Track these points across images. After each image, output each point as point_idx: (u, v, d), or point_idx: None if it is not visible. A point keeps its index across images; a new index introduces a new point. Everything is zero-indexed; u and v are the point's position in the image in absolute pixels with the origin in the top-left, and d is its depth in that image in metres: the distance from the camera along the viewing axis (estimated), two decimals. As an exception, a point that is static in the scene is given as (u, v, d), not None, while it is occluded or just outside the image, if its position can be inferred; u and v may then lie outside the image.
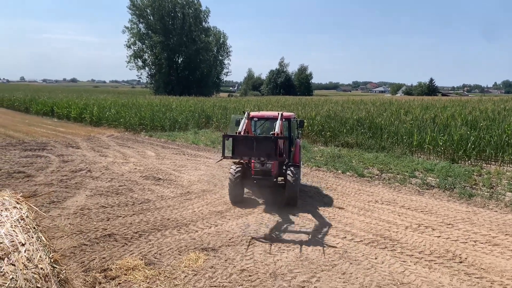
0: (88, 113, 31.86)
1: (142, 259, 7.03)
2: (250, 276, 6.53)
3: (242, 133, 9.16)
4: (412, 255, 7.47)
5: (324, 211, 10.05)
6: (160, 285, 6.15)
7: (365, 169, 14.80)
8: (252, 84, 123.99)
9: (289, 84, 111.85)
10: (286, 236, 8.36)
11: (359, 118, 22.84)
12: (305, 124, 22.44)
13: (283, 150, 9.34)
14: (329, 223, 9.20)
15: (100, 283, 6.19)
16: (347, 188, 12.43)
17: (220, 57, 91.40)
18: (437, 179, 13.13)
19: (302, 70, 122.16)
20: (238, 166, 10.65)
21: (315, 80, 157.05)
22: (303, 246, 7.83)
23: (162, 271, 6.64)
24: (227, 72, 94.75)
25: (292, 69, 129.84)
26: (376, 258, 7.30)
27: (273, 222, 9.16)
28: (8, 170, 13.69)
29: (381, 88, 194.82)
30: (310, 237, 8.32)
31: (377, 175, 14.09)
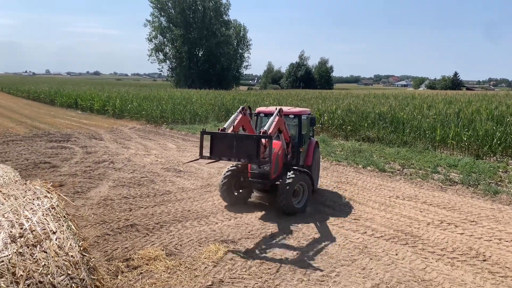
0: (110, 105, 32.42)
1: (163, 250, 7.15)
2: (269, 269, 6.56)
3: (229, 131, 8.28)
4: (434, 252, 7.36)
5: (344, 206, 9.99)
6: (180, 276, 6.25)
7: (386, 164, 14.62)
8: (272, 78, 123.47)
9: (309, 77, 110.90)
10: (304, 229, 8.36)
11: (381, 112, 22.52)
12: (326, 118, 22.29)
13: (268, 151, 8.26)
14: (349, 218, 9.15)
15: (122, 272, 6.34)
16: (368, 183, 12.31)
17: (240, 50, 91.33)
18: (461, 175, 12.86)
19: (323, 63, 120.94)
20: (228, 170, 9.78)
21: (335, 73, 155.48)
22: (323, 240, 7.83)
23: (182, 261, 6.74)
24: (246, 66, 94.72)
25: (312, 62, 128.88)
26: (396, 254, 7.23)
27: (290, 215, 9.16)
28: (35, 161, 14.10)
29: (403, 82, 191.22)
30: (329, 231, 8.30)
31: (398, 170, 13.90)
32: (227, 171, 9.75)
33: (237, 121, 8.85)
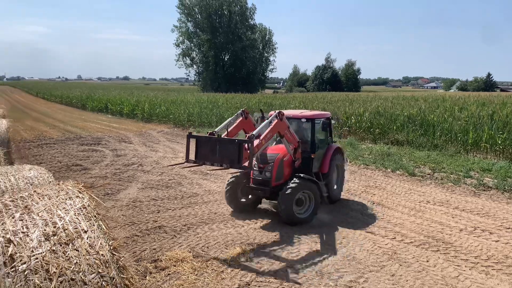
0: (139, 109, 33.14)
1: (190, 251, 7.22)
2: (296, 273, 6.51)
3: (223, 135, 8.03)
4: (467, 259, 7.10)
5: (372, 211, 9.80)
6: (207, 278, 6.28)
7: (416, 168, 14.27)
8: (298, 81, 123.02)
9: (335, 80, 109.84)
10: (332, 234, 8.25)
11: (410, 114, 22.00)
12: (353, 121, 21.98)
13: (250, 157, 7.49)
14: (377, 223, 8.97)
15: (150, 273, 6.44)
16: (397, 187, 12.04)
17: (266, 54, 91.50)
18: (495, 180, 12.38)
19: (350, 65, 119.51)
20: (233, 176, 9.39)
21: (363, 75, 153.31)
22: (350, 245, 7.70)
23: (209, 264, 6.78)
24: (272, 69, 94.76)
25: (339, 64, 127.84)
26: (427, 261, 7.02)
27: (318, 219, 9.06)
28: (67, 163, 14.56)
29: (433, 84, 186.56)
30: (357, 236, 8.16)
31: (429, 174, 13.53)
32: (232, 177, 9.41)
33: (234, 124, 8.73)
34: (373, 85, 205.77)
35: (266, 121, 8.32)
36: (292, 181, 8.62)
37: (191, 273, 6.43)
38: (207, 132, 8.20)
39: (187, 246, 7.49)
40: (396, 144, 18.88)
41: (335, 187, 10.25)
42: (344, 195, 10.96)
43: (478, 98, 37.60)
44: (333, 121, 11.16)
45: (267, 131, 8.08)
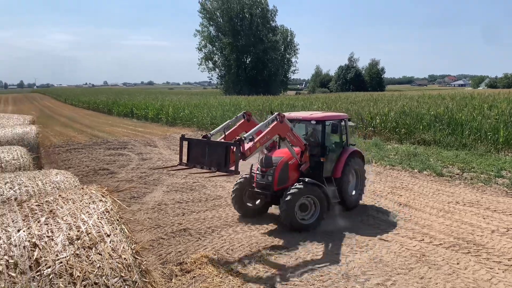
0: (164, 113, 33.65)
1: (215, 254, 7.23)
2: (321, 276, 6.42)
3: (219, 138, 7.86)
4: (500, 261, 6.83)
5: (399, 212, 9.57)
6: (232, 281, 6.27)
7: (444, 168, 13.87)
8: (320, 81, 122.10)
9: (359, 79, 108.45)
10: (358, 236, 8.10)
11: (437, 113, 21.44)
12: (378, 121, 21.60)
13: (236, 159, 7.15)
14: (405, 224, 8.75)
15: (176, 275, 6.48)
16: (425, 188, 11.73)
17: (288, 55, 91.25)
18: (529, 179, 11.89)
19: (373, 64, 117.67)
20: (239, 179, 9.12)
21: (387, 74, 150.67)
22: (377, 247, 7.53)
23: (234, 266, 6.77)
24: (294, 70, 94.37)
25: (362, 64, 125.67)
26: (458, 263, 6.79)
27: (345, 219, 8.92)
28: (94, 167, 14.89)
29: (460, 82, 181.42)
30: (384, 238, 7.98)
31: (457, 174, 13.13)
32: (237, 181, 9.17)
33: (234, 127, 8.52)
34: (397, 84, 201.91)
35: (262, 123, 8.16)
36: (294, 186, 8.27)
37: (216, 275, 6.43)
38: (201, 136, 8.06)
39: (212, 249, 7.51)
40: (423, 144, 18.44)
41: (353, 192, 9.76)
42: (369, 196, 10.76)
43: (508, 95, 36.30)
44: (350, 123, 10.61)
45: (263, 133, 7.82)
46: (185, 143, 7.98)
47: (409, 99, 35.59)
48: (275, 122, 8.02)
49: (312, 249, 7.48)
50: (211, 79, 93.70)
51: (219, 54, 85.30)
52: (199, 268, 6.68)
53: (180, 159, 8.05)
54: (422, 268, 6.63)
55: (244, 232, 8.35)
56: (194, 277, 6.42)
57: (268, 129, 7.91)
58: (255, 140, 7.66)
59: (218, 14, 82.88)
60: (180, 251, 7.43)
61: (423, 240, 7.85)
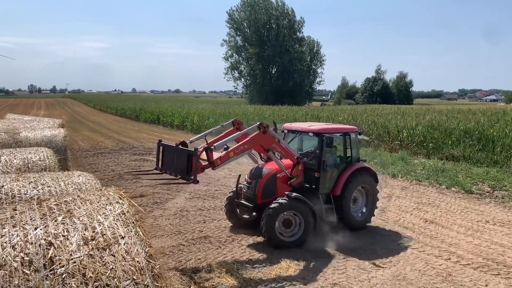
0: (189, 121, 34.04)
1: (234, 263, 7.14)
2: (342, 291, 6.21)
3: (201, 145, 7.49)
4: (534, 286, 6.45)
5: (425, 229, 9.24)
6: (250, 291, 6.15)
7: (474, 185, 13.36)
8: (346, 93, 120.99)
9: (386, 92, 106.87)
10: (381, 252, 7.84)
11: (467, 128, 20.78)
12: (405, 135, 21.12)
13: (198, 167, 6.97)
14: (430, 242, 8.42)
15: (195, 283, 6.43)
16: (452, 205, 11.31)
17: (314, 66, 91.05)
18: None
19: (401, 77, 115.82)
20: (232, 190, 8.89)
21: (415, 88, 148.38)
22: (401, 264, 7.26)
23: (253, 277, 6.65)
24: (320, 81, 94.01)
25: (389, 76, 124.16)
26: (487, 285, 6.47)
27: (366, 236, 8.66)
28: (120, 172, 15.10)
29: (492, 97, 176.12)
30: (408, 255, 7.69)
31: (488, 192, 12.61)
32: (231, 191, 8.94)
33: (221, 135, 8.24)
34: (426, 97, 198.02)
35: (239, 132, 7.93)
36: (276, 200, 7.84)
37: (235, 285, 6.33)
38: (179, 141, 7.88)
39: (232, 258, 7.43)
40: (451, 160, 17.85)
41: (364, 210, 9.17)
42: (394, 211, 10.46)
43: (544, 111, 34.88)
44: (361, 137, 9.98)
45: (241, 143, 7.45)
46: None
47: (438, 113, 34.76)
48: (257, 132, 7.62)
49: (332, 262, 7.28)
50: (236, 88, 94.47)
51: (245, 63, 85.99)
52: (218, 277, 6.61)
53: (157, 164, 7.86)
54: (449, 288, 6.34)
55: (265, 242, 8.21)
56: (212, 285, 6.35)
57: (247, 139, 7.54)
58: (229, 150, 7.33)
59: (245, 24, 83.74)
60: (199, 259, 7.39)
61: (449, 259, 7.53)
